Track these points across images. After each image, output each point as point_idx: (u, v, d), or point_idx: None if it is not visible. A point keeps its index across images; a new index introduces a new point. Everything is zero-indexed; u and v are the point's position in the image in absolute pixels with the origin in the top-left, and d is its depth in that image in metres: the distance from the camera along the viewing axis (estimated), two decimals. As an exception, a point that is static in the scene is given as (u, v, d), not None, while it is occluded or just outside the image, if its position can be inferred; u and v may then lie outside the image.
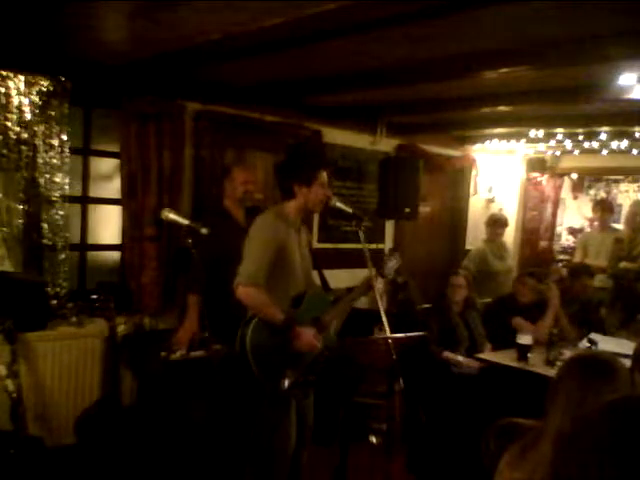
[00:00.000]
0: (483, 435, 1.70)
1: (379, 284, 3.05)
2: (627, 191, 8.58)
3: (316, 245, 4.82)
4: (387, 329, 2.76)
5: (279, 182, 2.98)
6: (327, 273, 3.31)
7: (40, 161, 3.56)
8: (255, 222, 2.91)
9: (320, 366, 2.87)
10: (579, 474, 1.03)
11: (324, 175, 2.89)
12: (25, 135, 3.48)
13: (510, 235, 6.84)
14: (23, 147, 3.48)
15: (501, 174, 6.93)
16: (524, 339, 3.85)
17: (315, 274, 3.23)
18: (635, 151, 5.64)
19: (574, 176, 7.87)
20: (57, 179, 3.63)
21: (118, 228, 4.08)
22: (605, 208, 6.26)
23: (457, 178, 6.54)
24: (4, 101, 3.38)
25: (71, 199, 3.78)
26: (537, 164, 7.11)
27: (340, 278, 3.81)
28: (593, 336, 4.08)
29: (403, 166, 5.29)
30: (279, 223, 2.85)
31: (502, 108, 4.37)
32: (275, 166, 3.16)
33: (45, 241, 3.64)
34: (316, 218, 4.99)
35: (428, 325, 4.32)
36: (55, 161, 3.60)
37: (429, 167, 5.84)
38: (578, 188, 8.70)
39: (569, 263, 7.09)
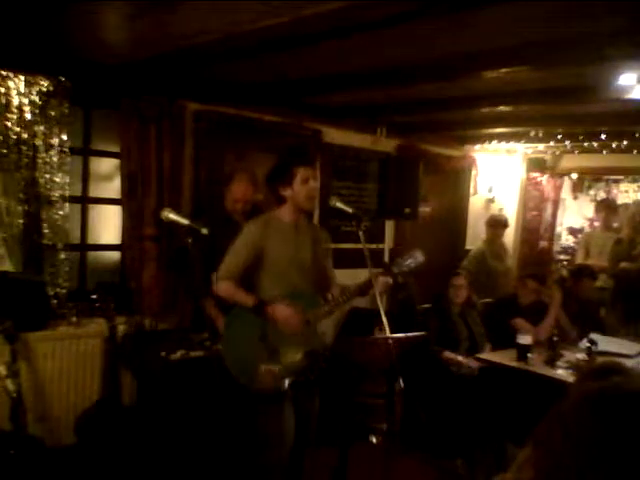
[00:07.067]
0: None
1: (386, 279, 2.97)
2: (627, 191, 8.56)
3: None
4: (387, 329, 2.76)
5: (270, 191, 2.95)
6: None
7: (40, 161, 3.56)
8: (244, 226, 2.96)
9: (319, 367, 2.86)
10: (556, 474, 1.01)
11: (304, 171, 2.83)
12: (25, 135, 3.48)
13: (510, 235, 6.84)
14: (23, 147, 3.48)
15: (501, 174, 6.93)
16: (524, 339, 3.85)
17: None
18: (635, 151, 5.64)
19: (574, 176, 7.86)
20: (57, 179, 3.63)
21: (118, 228, 4.08)
22: (609, 208, 6.25)
23: (457, 178, 6.54)
24: (4, 101, 3.38)
25: (71, 199, 3.78)
26: (537, 164, 7.11)
27: (340, 278, 3.80)
28: (593, 336, 4.08)
29: (403, 166, 5.30)
30: (266, 225, 2.88)
31: (502, 108, 4.37)
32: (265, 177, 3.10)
33: (45, 241, 3.64)
34: (316, 218, 4.99)
35: (428, 325, 4.32)
36: (55, 161, 3.60)
37: (429, 167, 5.84)
38: (578, 188, 8.68)
39: (571, 263, 7.09)
